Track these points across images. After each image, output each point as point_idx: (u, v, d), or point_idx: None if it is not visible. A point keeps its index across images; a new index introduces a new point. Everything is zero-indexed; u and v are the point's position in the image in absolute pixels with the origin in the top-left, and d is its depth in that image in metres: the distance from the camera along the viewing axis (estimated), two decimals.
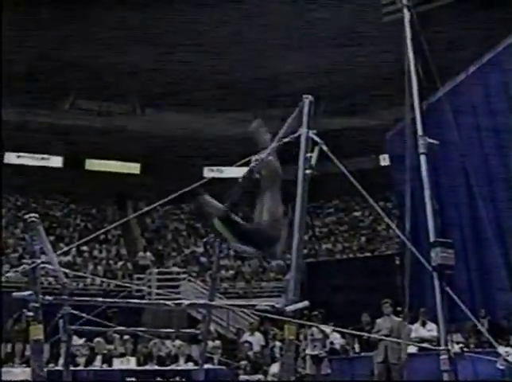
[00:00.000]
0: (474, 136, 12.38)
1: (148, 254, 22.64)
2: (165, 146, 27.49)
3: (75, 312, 5.97)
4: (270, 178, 4.35)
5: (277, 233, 4.22)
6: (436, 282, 3.41)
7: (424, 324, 11.00)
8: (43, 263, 3.64)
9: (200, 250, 23.63)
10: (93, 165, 29.46)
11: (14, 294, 3.63)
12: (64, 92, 26.89)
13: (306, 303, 3.60)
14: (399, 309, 11.37)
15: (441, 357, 3.53)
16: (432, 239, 3.51)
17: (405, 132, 4.12)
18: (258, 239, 4.14)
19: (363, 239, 24.97)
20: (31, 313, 3.51)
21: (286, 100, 20.32)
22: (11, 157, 27.56)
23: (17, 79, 21.82)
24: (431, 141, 3.73)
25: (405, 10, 4.01)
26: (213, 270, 6.48)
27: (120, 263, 23.06)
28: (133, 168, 30.06)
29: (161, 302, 3.65)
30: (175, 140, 27.32)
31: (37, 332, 3.55)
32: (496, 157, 11.90)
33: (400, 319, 10.49)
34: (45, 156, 28.62)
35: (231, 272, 23.45)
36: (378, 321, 10.54)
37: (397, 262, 16.13)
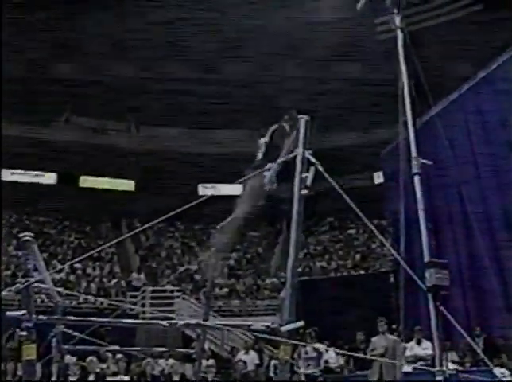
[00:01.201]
0: (468, 155, 12.46)
1: (141, 276, 22.38)
2: (160, 164, 27.49)
3: (68, 331, 5.92)
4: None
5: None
6: (431, 303, 3.40)
7: (419, 342, 10.94)
8: (36, 282, 3.62)
9: (194, 267, 23.54)
10: (87, 182, 29.38)
11: (7, 313, 3.60)
12: (58, 109, 26.91)
13: (301, 323, 3.58)
14: (394, 326, 11.35)
15: (436, 378, 3.51)
16: (426, 259, 3.51)
17: (399, 151, 4.15)
18: None
19: (358, 256, 24.93)
20: (24, 333, 3.48)
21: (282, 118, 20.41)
22: (5, 174, 27.45)
23: (12, 95, 21.82)
24: (424, 161, 3.75)
25: (399, 32, 4.06)
26: (207, 288, 6.44)
27: (114, 281, 22.92)
28: (128, 185, 29.97)
29: (155, 321, 3.63)
30: (169, 157, 27.34)
31: (30, 351, 3.51)
32: (491, 178, 11.97)
33: (395, 337, 10.44)
34: (39, 173, 28.53)
35: (226, 290, 23.36)
36: (373, 339, 10.49)
37: (392, 279, 16.13)
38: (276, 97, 24.79)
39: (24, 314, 3.48)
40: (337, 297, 17.80)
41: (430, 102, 4.69)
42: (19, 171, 27.90)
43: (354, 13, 4.54)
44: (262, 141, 4.60)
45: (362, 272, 22.98)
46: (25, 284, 3.47)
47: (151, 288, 19.82)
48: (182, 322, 3.59)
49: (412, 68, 4.22)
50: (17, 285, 3.59)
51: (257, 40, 23.47)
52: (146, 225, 4.30)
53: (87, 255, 3.99)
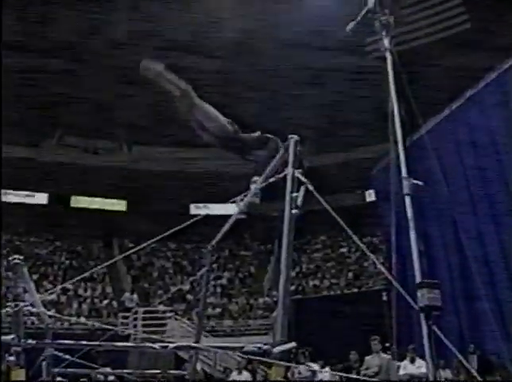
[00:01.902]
0: (459, 173, 12.54)
1: (135, 296, 22.18)
2: (151, 183, 27.45)
3: (58, 354, 5.85)
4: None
5: None
6: (423, 323, 3.40)
7: (413, 360, 10.89)
8: (26, 306, 3.58)
9: (187, 287, 23.43)
10: (79, 202, 29.27)
11: None
12: (50, 129, 26.90)
13: (293, 344, 3.56)
14: (387, 345, 11.30)
15: None
16: (418, 279, 3.51)
17: (390, 171, 4.17)
18: None
19: (350, 275, 24.91)
20: (13, 358, 3.44)
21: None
22: None
23: (3, 114, 21.79)
24: (415, 182, 3.77)
25: (388, 53, 4.10)
26: (199, 308, 6.39)
27: (105, 302, 22.77)
28: (119, 205, 29.90)
29: (147, 344, 3.60)
30: (161, 177, 27.33)
31: (19, 375, 3.47)
32: (483, 196, 12.04)
33: (389, 356, 10.39)
34: (30, 193, 28.41)
35: (218, 310, 23.25)
36: (367, 358, 10.43)
37: (385, 297, 16.10)
38: (264, 116, 24.91)
39: (13, 339, 3.43)
40: (330, 315, 17.76)
41: (419, 121, 4.73)
42: (10, 191, 27.76)
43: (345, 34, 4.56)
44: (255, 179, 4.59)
45: (355, 290, 22.97)
46: (15, 308, 3.43)
47: (143, 308, 19.68)
48: (173, 345, 3.56)
49: (401, 87, 4.26)
50: (7, 309, 3.55)
51: (245, 60, 23.65)
52: (139, 247, 4.28)
53: (79, 277, 3.95)
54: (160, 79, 4.48)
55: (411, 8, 20.43)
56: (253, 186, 4.47)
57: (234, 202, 4.72)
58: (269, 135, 4.65)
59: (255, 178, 4.48)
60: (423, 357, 4.35)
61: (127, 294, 22.30)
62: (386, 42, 4.16)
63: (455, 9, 21.01)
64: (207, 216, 5.36)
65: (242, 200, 4.38)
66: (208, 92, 5.12)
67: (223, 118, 4.61)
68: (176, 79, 4.48)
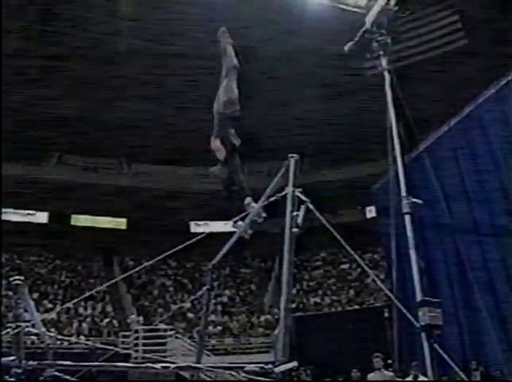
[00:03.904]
0: (458, 189, 12.53)
1: (140, 318, 21.82)
2: (151, 201, 27.45)
3: (58, 374, 5.82)
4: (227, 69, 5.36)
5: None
6: (425, 341, 3.39)
7: (416, 378, 10.80)
8: (27, 327, 3.58)
9: (187, 306, 23.31)
10: (79, 220, 29.28)
11: None
12: (49, 148, 26.94)
13: (295, 363, 3.56)
14: (390, 362, 11.22)
15: None
16: (418, 298, 3.51)
17: (390, 190, 4.19)
18: None
19: (352, 291, 24.82)
20: (13, 380, 3.43)
21: (272, 154, 20.59)
22: None
23: (3, 133, 21.85)
24: (415, 200, 3.78)
25: (386, 73, 4.14)
26: (200, 326, 6.38)
27: (106, 321, 22.65)
28: (120, 223, 29.89)
29: (148, 364, 3.59)
30: (161, 195, 27.33)
31: None
32: (483, 212, 12.01)
33: (391, 373, 10.30)
34: (30, 212, 28.42)
35: (219, 328, 23.12)
36: (369, 376, 10.33)
37: (386, 314, 16.02)
38: (264, 134, 25.02)
39: (13, 360, 3.42)
40: (331, 333, 17.67)
41: (417, 139, 4.77)
42: (10, 210, 27.76)
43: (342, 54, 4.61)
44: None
45: (356, 307, 22.86)
46: (16, 330, 3.43)
47: (144, 327, 19.56)
48: (174, 365, 3.55)
49: (399, 105, 4.29)
50: (7, 330, 3.54)
51: (249, 77, 23.77)
52: (140, 267, 4.27)
53: (80, 298, 3.95)
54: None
55: (407, 25, 20.56)
56: (249, 209, 4.48)
57: (236, 222, 4.73)
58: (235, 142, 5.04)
59: (248, 200, 4.49)
60: (426, 374, 4.33)
61: (133, 317, 21.97)
62: (384, 61, 4.21)
63: (451, 25, 21.16)
64: (208, 234, 5.37)
65: (242, 219, 4.40)
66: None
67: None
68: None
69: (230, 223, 4.91)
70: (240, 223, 4.45)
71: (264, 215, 4.48)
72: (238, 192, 4.65)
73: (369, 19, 4.33)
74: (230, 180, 4.82)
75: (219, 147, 4.89)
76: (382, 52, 4.17)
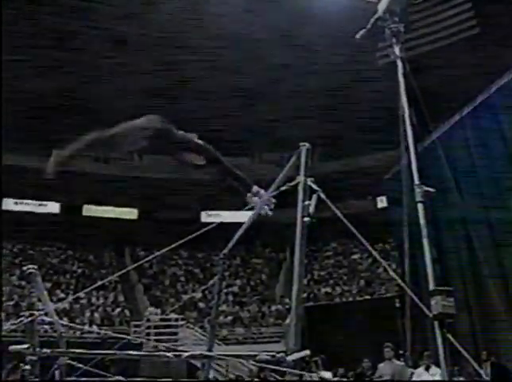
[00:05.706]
0: (471, 179, 12.43)
1: (158, 310, 21.92)
2: (162, 192, 27.51)
3: (71, 362, 5.86)
4: None
5: None
6: (437, 330, 3.37)
7: (427, 368, 10.79)
8: (41, 315, 3.60)
9: (198, 295, 23.42)
10: (90, 210, 29.41)
11: (11, 347, 3.57)
12: (61, 138, 27.01)
13: (307, 352, 3.56)
14: (401, 352, 11.21)
15: None
16: (431, 287, 3.49)
17: (402, 178, 4.16)
18: None
19: (362, 282, 24.80)
20: (28, 367, 3.46)
21: (283, 145, 20.56)
22: (8, 204, 27.50)
23: (15, 124, 21.97)
24: (427, 189, 3.75)
25: (398, 61, 4.10)
26: (212, 316, 6.39)
27: (118, 310, 22.81)
28: (131, 213, 30.02)
29: (161, 353, 3.61)
30: (172, 185, 27.36)
31: None
32: (494, 200, 11.91)
33: (402, 363, 10.31)
34: (43, 202, 28.58)
35: (230, 318, 23.21)
36: (380, 365, 10.36)
37: (398, 304, 15.99)
38: (275, 124, 24.99)
39: (28, 348, 3.45)
40: (342, 323, 17.69)
41: (430, 127, 4.72)
42: (23, 201, 27.96)
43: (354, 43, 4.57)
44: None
45: (367, 297, 22.85)
46: (29, 318, 3.45)
47: (155, 316, 19.70)
48: (187, 354, 3.56)
49: (412, 94, 4.25)
50: (21, 318, 3.57)
51: (258, 67, 23.72)
52: (152, 256, 4.28)
53: (92, 287, 3.97)
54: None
55: (420, 14, 20.40)
56: (258, 196, 4.40)
57: (250, 209, 4.66)
58: (201, 143, 4.60)
59: (256, 188, 4.42)
60: (438, 364, 4.32)
61: (151, 309, 22.08)
62: (397, 50, 4.17)
63: (463, 14, 20.97)
64: (219, 224, 5.33)
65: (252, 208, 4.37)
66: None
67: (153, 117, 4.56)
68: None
69: (241, 212, 4.89)
70: (256, 199, 4.34)
71: (274, 201, 4.42)
72: (242, 183, 4.52)
73: (381, 6, 4.29)
74: (226, 177, 4.64)
75: (189, 158, 4.62)
76: (394, 40, 4.14)
